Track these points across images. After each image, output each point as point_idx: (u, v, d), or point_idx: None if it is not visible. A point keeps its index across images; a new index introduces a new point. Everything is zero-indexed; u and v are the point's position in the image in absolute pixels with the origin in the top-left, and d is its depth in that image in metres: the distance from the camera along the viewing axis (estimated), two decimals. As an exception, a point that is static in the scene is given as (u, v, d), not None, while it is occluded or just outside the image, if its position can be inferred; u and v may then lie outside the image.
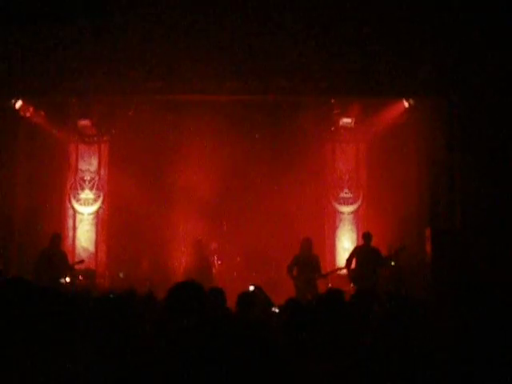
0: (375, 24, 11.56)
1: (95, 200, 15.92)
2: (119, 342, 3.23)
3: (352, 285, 12.20)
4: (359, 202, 15.85)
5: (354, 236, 15.54)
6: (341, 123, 15.38)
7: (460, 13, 10.90)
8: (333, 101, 14.97)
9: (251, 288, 9.05)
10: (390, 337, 4.60)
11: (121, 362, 2.76)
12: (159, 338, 3.13)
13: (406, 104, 13.62)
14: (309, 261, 12.56)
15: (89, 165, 16.05)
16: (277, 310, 7.10)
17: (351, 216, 15.86)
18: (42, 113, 14.53)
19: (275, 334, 4.91)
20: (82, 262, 13.45)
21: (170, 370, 2.31)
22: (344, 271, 12.68)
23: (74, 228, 15.81)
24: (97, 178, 16.01)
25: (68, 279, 12.42)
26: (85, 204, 15.88)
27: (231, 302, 6.60)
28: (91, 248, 15.74)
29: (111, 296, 7.63)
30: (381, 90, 12.50)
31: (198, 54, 11.67)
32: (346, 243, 15.49)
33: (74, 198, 15.88)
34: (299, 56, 11.74)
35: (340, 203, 15.86)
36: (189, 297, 3.32)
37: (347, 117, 15.21)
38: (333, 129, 15.86)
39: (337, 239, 15.72)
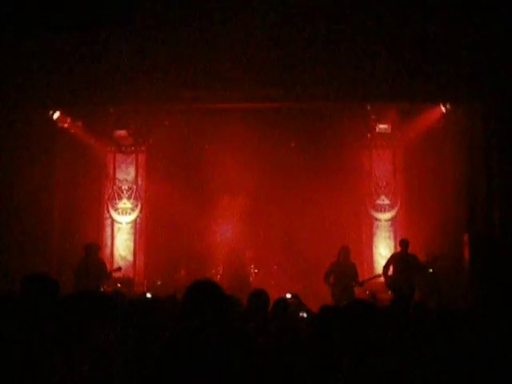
0: (412, 29, 11.48)
1: (133, 209, 16.08)
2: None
3: (390, 292, 12.10)
4: (396, 209, 15.71)
5: (392, 243, 15.40)
6: (377, 129, 15.24)
7: (495, 16, 10.77)
8: (369, 107, 14.86)
9: (288, 296, 9.07)
10: (423, 347, 4.53)
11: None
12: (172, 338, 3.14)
13: (443, 109, 13.46)
14: (346, 268, 12.49)
15: (126, 174, 16.23)
16: (305, 315, 7.10)
17: (388, 223, 15.73)
18: (80, 123, 14.72)
19: (300, 338, 4.89)
20: (119, 269, 13.56)
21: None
22: (381, 279, 12.57)
23: (113, 237, 15.99)
24: (134, 187, 16.18)
25: (106, 287, 12.51)
26: (123, 213, 16.05)
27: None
28: (129, 257, 15.90)
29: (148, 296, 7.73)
30: (417, 95, 12.38)
31: (234, 61, 11.70)
32: (383, 250, 15.36)
33: (112, 207, 16.05)
34: (335, 62, 11.70)
35: (377, 210, 15.75)
36: (204, 295, 3.31)
37: (384, 123, 15.06)
38: (369, 135, 15.76)
39: (374, 246, 15.60)
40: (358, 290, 12.48)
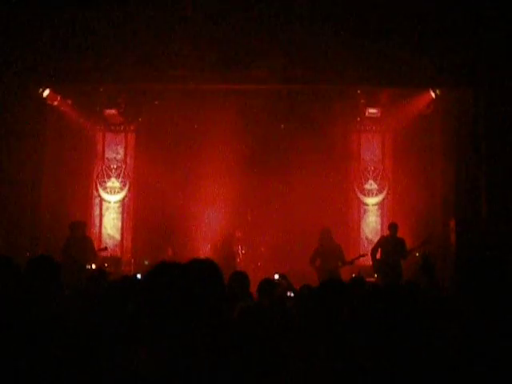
0: (402, 13, 11.49)
1: (121, 188, 16.08)
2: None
3: (376, 275, 12.19)
4: (384, 194, 15.78)
5: (378, 227, 15.48)
6: (367, 114, 15.18)
7: (487, 3, 10.80)
8: (359, 91, 14.85)
9: (276, 276, 9.11)
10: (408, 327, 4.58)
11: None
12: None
13: (433, 94, 13.51)
14: (331, 250, 12.57)
15: (115, 153, 16.21)
16: (292, 295, 7.16)
17: (376, 207, 15.80)
18: (70, 101, 14.63)
19: (288, 317, 4.96)
20: (105, 249, 13.59)
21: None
22: (368, 259, 12.65)
23: (101, 216, 15.99)
24: (123, 167, 16.16)
25: (94, 266, 12.51)
26: (111, 192, 16.05)
27: (255, 291, 6.68)
28: (117, 236, 15.92)
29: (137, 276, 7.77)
30: (407, 80, 12.42)
31: (224, 42, 11.69)
32: (369, 235, 15.45)
33: (101, 186, 16.05)
34: (325, 45, 11.70)
35: (364, 195, 15.82)
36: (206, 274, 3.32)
37: (373, 107, 15.02)
38: (359, 119, 15.78)
39: (361, 230, 15.69)
40: (343, 272, 12.54)
